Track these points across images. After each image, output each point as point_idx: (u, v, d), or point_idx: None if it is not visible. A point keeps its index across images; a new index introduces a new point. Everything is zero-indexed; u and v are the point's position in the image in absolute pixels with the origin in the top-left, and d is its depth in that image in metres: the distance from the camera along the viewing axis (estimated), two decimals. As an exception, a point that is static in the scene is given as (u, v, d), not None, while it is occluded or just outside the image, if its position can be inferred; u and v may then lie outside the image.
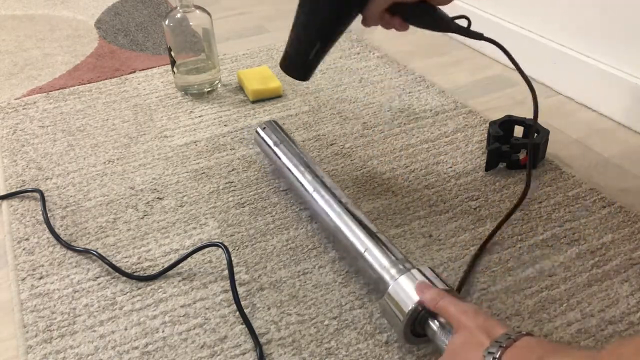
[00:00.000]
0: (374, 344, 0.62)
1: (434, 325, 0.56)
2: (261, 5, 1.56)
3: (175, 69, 1.08)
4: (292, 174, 0.79)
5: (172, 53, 1.06)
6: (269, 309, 0.66)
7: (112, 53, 1.30)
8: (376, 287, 0.64)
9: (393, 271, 0.61)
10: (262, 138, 0.86)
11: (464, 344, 0.51)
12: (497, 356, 0.47)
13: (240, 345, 0.63)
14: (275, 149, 0.83)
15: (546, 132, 0.87)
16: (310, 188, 0.75)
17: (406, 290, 0.58)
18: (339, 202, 0.72)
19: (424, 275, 0.59)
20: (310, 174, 0.77)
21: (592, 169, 0.87)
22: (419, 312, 0.57)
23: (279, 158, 0.82)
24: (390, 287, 0.59)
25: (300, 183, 0.77)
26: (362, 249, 0.65)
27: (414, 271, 0.59)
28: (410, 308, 0.56)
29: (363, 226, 0.67)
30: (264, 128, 0.87)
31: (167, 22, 1.03)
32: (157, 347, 0.63)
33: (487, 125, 0.91)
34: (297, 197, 0.82)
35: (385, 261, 0.63)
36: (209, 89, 1.10)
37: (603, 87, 1.00)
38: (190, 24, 1.04)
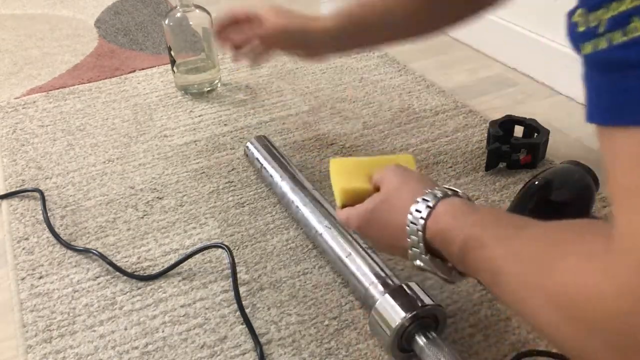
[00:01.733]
0: (374, 344, 0.62)
1: (421, 340, 0.57)
2: (261, 5, 1.55)
3: (175, 69, 1.08)
4: (282, 190, 0.79)
5: (172, 52, 1.06)
6: (269, 309, 0.66)
7: (112, 52, 1.30)
8: (364, 302, 0.64)
9: (381, 287, 0.61)
10: (252, 154, 0.87)
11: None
12: (425, 216, 0.50)
13: (240, 345, 0.62)
14: (264, 166, 0.84)
15: (546, 132, 0.87)
16: (300, 205, 0.75)
17: (393, 306, 0.58)
18: (328, 217, 0.72)
19: (411, 290, 0.59)
20: (301, 191, 0.77)
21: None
22: (406, 328, 0.57)
23: (271, 176, 0.82)
24: (377, 303, 0.59)
25: (291, 200, 0.77)
26: (350, 265, 0.66)
27: (402, 287, 0.60)
28: (397, 323, 0.56)
29: (351, 242, 0.68)
30: (253, 144, 0.88)
31: (167, 22, 1.03)
32: (157, 347, 0.63)
33: (487, 125, 0.91)
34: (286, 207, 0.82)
35: (373, 277, 0.63)
36: (209, 89, 1.10)
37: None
38: (190, 23, 1.04)
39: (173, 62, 1.08)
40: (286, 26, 0.80)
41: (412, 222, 0.51)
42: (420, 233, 0.50)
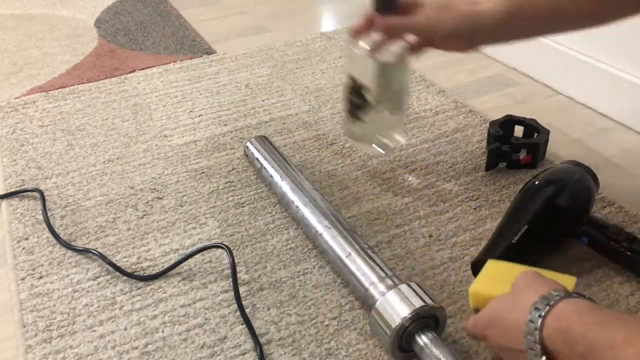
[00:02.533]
0: (374, 345, 0.62)
1: (421, 340, 0.57)
2: (261, 5, 1.56)
3: (363, 116, 0.77)
4: (282, 190, 0.79)
5: (370, 96, 0.75)
6: (269, 309, 0.66)
7: (112, 52, 1.30)
8: (364, 302, 0.64)
9: (381, 287, 0.61)
10: (252, 154, 0.87)
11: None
12: (543, 314, 0.46)
13: (240, 345, 0.62)
14: (264, 166, 0.84)
15: (546, 132, 0.87)
16: (300, 205, 0.75)
17: (394, 306, 0.58)
18: (328, 217, 0.72)
19: (412, 290, 0.59)
20: (301, 191, 0.77)
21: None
22: (406, 328, 0.57)
23: (271, 176, 0.82)
24: (377, 303, 0.59)
25: (291, 200, 0.77)
26: (350, 265, 0.66)
27: (402, 287, 0.60)
28: (397, 323, 0.56)
29: (351, 242, 0.68)
30: (253, 144, 0.88)
31: (383, 60, 0.73)
32: (157, 347, 0.63)
33: (487, 125, 0.91)
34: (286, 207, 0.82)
35: (373, 277, 0.63)
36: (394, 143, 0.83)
37: (603, 86, 1.00)
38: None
39: (358, 107, 0.75)
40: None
41: (530, 321, 0.47)
42: (537, 332, 0.46)
